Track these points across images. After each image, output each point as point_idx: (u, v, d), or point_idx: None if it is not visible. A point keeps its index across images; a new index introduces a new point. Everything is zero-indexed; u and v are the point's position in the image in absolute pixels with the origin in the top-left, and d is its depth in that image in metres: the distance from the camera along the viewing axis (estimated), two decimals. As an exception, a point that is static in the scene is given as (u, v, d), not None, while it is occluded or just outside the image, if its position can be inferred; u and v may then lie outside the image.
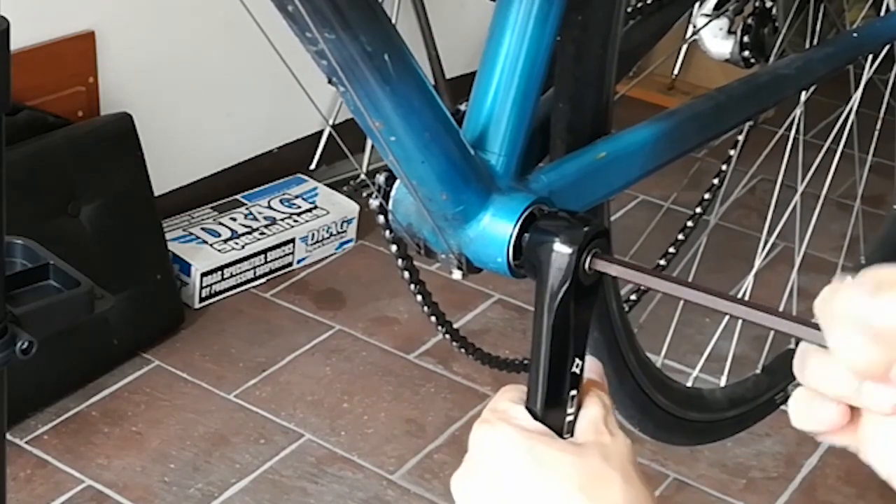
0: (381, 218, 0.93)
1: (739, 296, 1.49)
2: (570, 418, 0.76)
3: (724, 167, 1.41)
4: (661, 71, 3.21)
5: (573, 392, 0.76)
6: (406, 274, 1.00)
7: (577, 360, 0.76)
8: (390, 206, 0.91)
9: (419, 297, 1.03)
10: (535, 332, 0.76)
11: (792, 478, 2.02)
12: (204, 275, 2.30)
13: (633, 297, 1.37)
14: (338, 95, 0.81)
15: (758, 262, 1.47)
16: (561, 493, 0.71)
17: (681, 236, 1.40)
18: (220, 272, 2.32)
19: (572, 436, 0.76)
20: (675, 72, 3.25)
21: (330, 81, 0.78)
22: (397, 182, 0.90)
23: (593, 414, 0.76)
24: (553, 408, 0.75)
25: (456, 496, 0.75)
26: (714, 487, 1.99)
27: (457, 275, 0.89)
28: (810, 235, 1.57)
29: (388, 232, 0.94)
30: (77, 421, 2.01)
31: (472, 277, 0.90)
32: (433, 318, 1.06)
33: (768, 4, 1.32)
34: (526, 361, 1.29)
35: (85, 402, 2.05)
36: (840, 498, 1.99)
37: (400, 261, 0.98)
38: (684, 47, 3.03)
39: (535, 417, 0.75)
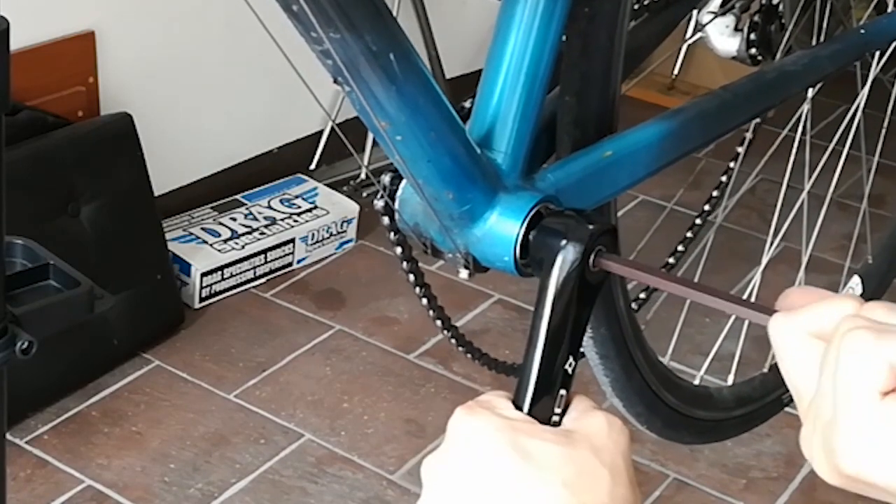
0: (385, 219, 0.92)
1: (745, 297, 1.48)
2: (556, 417, 0.75)
3: (731, 164, 1.40)
4: (661, 71, 3.20)
5: (563, 391, 0.75)
6: (411, 276, 1.00)
7: (571, 360, 0.76)
8: (396, 206, 0.90)
9: (424, 301, 1.03)
10: (533, 326, 0.75)
11: (792, 478, 2.02)
12: (204, 275, 2.29)
13: (641, 295, 1.37)
14: (339, 95, 0.80)
15: (764, 261, 1.47)
16: (542, 488, 0.67)
17: (689, 234, 1.39)
18: (220, 272, 2.32)
19: None
20: (675, 71, 3.25)
21: (336, 81, 0.78)
22: (403, 182, 0.90)
23: (585, 402, 0.75)
24: (542, 402, 0.74)
25: (426, 480, 0.71)
26: (714, 487, 1.98)
27: (463, 274, 0.88)
28: (815, 236, 1.57)
29: (392, 234, 0.94)
30: (77, 421, 2.01)
31: (473, 277, 0.90)
32: (439, 322, 1.05)
33: (775, 1, 1.32)
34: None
35: (85, 402, 2.05)
36: (840, 498, 1.98)
37: (405, 263, 0.98)
38: (685, 47, 3.03)
39: (522, 412, 0.74)
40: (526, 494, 0.67)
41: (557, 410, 0.75)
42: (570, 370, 0.76)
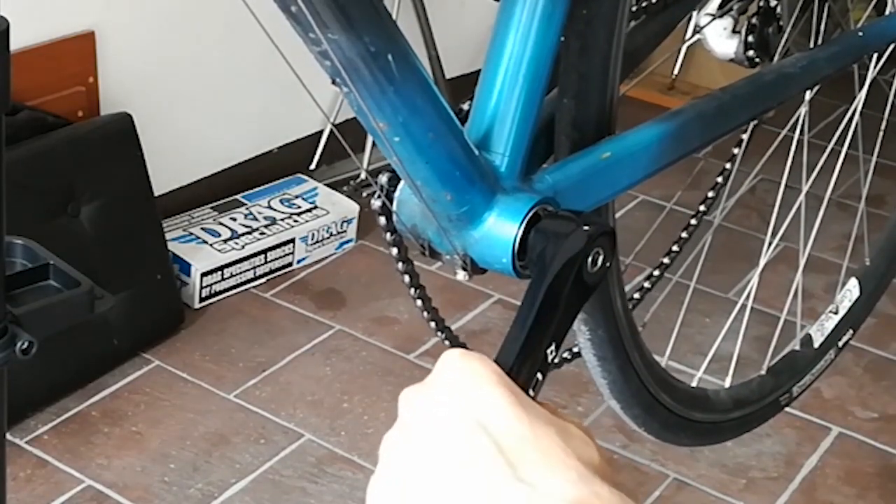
0: (382, 219, 0.92)
1: (743, 296, 1.48)
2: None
3: (727, 165, 1.41)
4: (661, 71, 3.21)
5: (539, 375, 0.75)
6: (406, 278, 0.99)
7: (553, 347, 0.75)
8: (394, 207, 0.90)
9: (419, 302, 1.02)
10: (521, 309, 0.74)
11: (792, 478, 2.02)
12: (204, 275, 2.29)
13: (636, 295, 1.37)
14: (339, 95, 0.80)
15: (763, 262, 1.47)
16: (542, 430, 0.65)
17: (684, 234, 1.39)
18: (220, 272, 2.32)
19: None
20: (675, 72, 3.25)
21: (334, 82, 0.78)
22: (401, 183, 0.90)
23: (551, 408, 0.74)
24: (517, 379, 0.74)
25: (404, 410, 0.69)
26: (714, 487, 1.98)
27: (461, 275, 0.88)
28: (814, 236, 1.57)
29: (389, 234, 0.94)
30: (77, 421, 2.01)
31: (473, 277, 0.89)
32: (433, 324, 1.05)
33: (773, 3, 1.32)
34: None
35: (85, 402, 2.05)
36: (840, 498, 1.99)
37: (400, 264, 0.97)
38: (684, 47, 3.03)
39: None
40: (525, 431, 0.65)
41: (531, 393, 0.75)
42: (549, 356, 0.75)
